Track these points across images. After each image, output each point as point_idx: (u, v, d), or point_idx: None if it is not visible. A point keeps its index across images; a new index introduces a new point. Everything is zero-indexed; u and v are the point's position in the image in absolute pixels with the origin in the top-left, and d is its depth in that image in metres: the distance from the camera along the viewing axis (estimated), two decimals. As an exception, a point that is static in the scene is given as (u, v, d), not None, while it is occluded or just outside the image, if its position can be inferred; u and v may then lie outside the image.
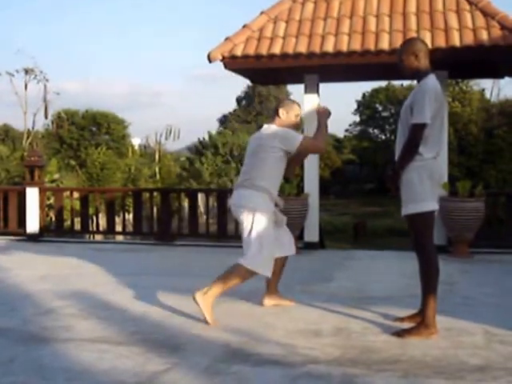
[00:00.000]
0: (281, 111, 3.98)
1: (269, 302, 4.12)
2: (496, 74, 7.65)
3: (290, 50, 6.31)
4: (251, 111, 46.30)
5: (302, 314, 3.94)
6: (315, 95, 6.89)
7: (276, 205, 3.95)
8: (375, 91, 42.66)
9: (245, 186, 3.84)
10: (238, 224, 7.34)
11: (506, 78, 7.53)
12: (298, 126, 4.08)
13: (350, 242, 18.74)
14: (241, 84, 52.07)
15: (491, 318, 3.77)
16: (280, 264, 4.04)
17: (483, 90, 28.56)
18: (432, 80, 3.43)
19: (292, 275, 5.42)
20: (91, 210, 10.05)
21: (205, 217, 8.31)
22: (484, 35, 5.93)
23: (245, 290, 4.55)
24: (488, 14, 6.13)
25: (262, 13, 6.80)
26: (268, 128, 3.94)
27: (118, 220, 9.04)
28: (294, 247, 4.14)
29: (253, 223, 3.75)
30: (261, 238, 3.73)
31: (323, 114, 3.99)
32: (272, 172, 3.84)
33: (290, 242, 4.10)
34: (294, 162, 4.09)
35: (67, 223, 8.73)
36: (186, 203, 9.33)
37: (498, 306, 4.16)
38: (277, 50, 6.34)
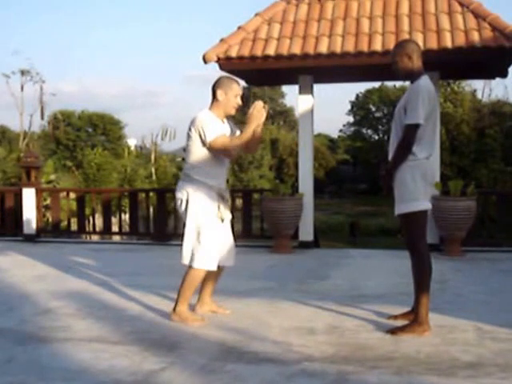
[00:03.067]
0: (219, 92, 3.61)
1: (201, 310, 3.92)
2: (487, 74, 7.72)
3: (284, 51, 6.35)
4: (246, 112, 46.18)
5: (297, 312, 3.98)
6: (310, 96, 6.95)
7: (222, 197, 3.70)
8: (368, 92, 42.92)
9: (182, 179, 3.71)
10: (233, 223, 7.40)
11: (497, 79, 7.59)
12: (239, 108, 3.71)
13: (344, 240, 18.82)
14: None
15: (483, 315, 3.82)
16: (214, 274, 3.79)
17: (475, 90, 28.69)
18: (425, 81, 3.48)
19: (287, 274, 5.48)
20: (88, 211, 10.07)
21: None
22: (475, 36, 5.99)
23: (241, 289, 4.60)
24: (479, 16, 6.19)
25: (256, 14, 6.84)
26: (197, 115, 3.62)
27: (114, 220, 9.05)
28: (233, 259, 3.85)
29: (188, 215, 3.59)
30: (199, 230, 3.57)
31: (256, 117, 3.55)
32: (201, 160, 3.60)
33: (230, 251, 3.81)
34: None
35: (64, 224, 8.74)
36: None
37: (489, 304, 4.22)
38: (271, 51, 6.39)
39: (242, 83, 7.80)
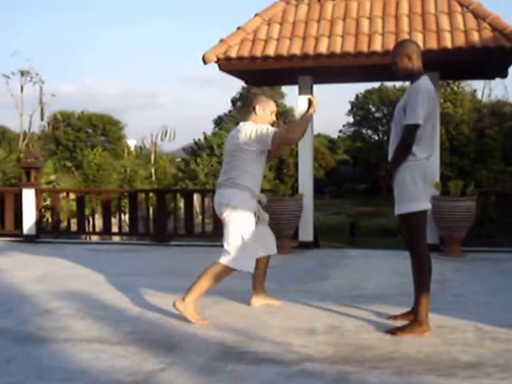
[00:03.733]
0: (257, 108, 3.97)
1: (256, 301, 4.16)
2: (487, 75, 7.72)
3: (283, 51, 6.36)
4: (246, 112, 46.27)
5: (297, 313, 3.99)
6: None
7: (259, 202, 3.98)
8: (368, 92, 42.91)
9: (226, 186, 3.88)
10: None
11: (497, 79, 7.60)
12: (272, 123, 4.03)
13: (344, 241, 18.82)
14: (236, 85, 52.09)
15: (482, 315, 3.83)
16: (263, 264, 4.10)
17: (475, 90, 28.75)
18: (425, 81, 3.47)
19: (287, 274, 5.48)
20: (87, 211, 10.07)
21: (200, 217, 8.35)
22: (475, 37, 5.99)
23: (242, 289, 4.59)
24: (479, 16, 6.19)
25: (256, 15, 6.84)
26: (243, 126, 3.92)
27: (114, 221, 9.06)
28: (275, 247, 4.16)
29: (235, 221, 3.81)
30: (242, 235, 3.79)
31: (312, 106, 3.88)
32: (252, 170, 3.87)
33: (271, 241, 4.12)
34: (272, 153, 4.06)
35: (63, 224, 8.73)
36: (181, 204, 9.36)
37: (489, 304, 4.22)
38: (271, 51, 6.39)
39: (242, 83, 7.80)
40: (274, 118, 4.03)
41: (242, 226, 3.81)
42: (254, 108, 3.99)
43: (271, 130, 3.83)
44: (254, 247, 3.86)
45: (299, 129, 3.83)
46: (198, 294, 3.79)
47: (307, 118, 3.85)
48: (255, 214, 3.91)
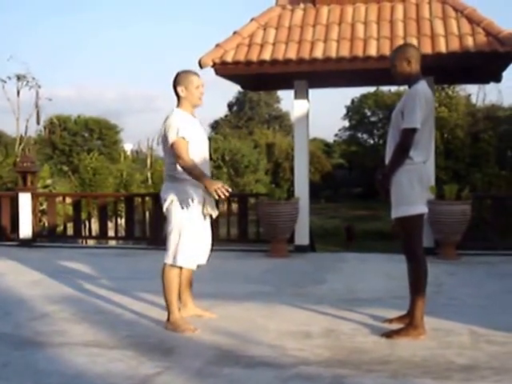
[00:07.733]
0: (179, 89, 3.68)
1: (184, 313, 3.89)
2: (481, 79, 7.78)
3: (279, 56, 6.39)
4: (242, 117, 46.45)
5: (293, 316, 3.99)
6: (305, 101, 6.98)
7: (208, 193, 3.65)
8: (364, 97, 42.99)
9: (165, 180, 3.77)
10: (229, 227, 7.42)
11: (492, 84, 7.66)
12: (201, 97, 3.71)
13: (340, 244, 18.79)
14: (232, 90, 52.15)
15: (477, 318, 3.84)
16: (187, 273, 3.90)
17: (469, 95, 28.87)
18: (422, 85, 3.50)
19: (283, 278, 5.49)
20: (84, 215, 10.04)
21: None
22: (469, 41, 6.03)
23: (237, 293, 4.61)
24: (473, 21, 6.24)
25: (252, 20, 6.87)
26: (166, 118, 3.69)
27: (110, 225, 9.05)
28: (207, 256, 3.89)
29: (172, 215, 3.67)
30: (180, 229, 3.64)
31: (211, 187, 3.49)
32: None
33: (205, 251, 3.86)
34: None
35: (60, 228, 8.72)
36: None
37: (483, 307, 4.24)
38: (267, 56, 6.42)
39: (238, 88, 7.84)
40: (202, 91, 3.69)
41: (179, 220, 3.63)
42: (176, 92, 3.70)
43: (175, 137, 3.56)
44: (192, 241, 3.65)
45: (188, 169, 3.55)
46: (172, 306, 3.70)
47: (201, 180, 3.54)
48: (204, 205, 3.70)
